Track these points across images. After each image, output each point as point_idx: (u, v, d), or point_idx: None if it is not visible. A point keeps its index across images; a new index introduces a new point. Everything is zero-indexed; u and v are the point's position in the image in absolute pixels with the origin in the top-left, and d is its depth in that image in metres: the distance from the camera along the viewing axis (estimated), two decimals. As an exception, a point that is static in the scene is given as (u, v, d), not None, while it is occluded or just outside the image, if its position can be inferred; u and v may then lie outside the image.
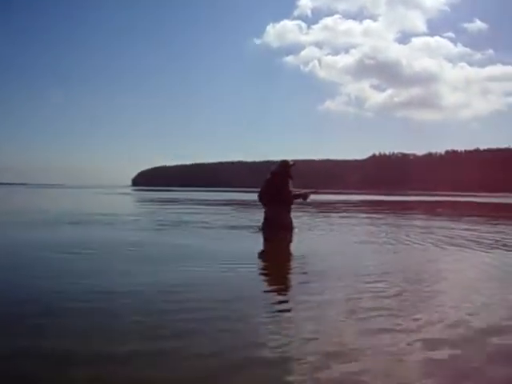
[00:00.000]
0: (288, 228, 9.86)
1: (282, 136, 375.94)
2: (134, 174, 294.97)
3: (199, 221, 13.30)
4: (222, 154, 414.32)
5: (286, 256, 7.50)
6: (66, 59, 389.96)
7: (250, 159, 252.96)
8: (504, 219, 16.74)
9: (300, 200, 10.18)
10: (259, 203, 10.43)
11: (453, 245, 8.20)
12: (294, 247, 8.40)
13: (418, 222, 14.28)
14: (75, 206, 23.74)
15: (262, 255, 7.54)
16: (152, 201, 33.78)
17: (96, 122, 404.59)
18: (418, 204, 35.18)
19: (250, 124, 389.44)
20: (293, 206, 10.16)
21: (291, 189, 9.91)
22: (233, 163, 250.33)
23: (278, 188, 9.86)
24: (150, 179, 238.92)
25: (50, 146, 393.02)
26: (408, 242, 8.45)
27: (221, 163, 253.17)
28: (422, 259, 6.91)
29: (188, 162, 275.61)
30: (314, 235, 9.87)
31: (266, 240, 9.30)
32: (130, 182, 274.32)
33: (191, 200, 33.80)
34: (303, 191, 10.15)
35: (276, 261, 7.08)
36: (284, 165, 10.12)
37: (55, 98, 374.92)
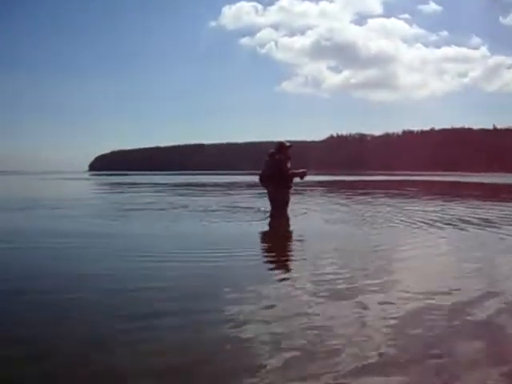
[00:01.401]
0: (287, 204, 10.58)
1: (239, 118, 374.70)
2: (91, 158, 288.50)
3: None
4: (180, 137, 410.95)
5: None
6: (12, 44, 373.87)
7: (208, 142, 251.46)
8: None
9: (298, 179, 10.77)
10: (260, 185, 11.05)
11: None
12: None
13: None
14: (27, 193, 22.95)
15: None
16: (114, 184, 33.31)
17: (47, 106, 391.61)
18: (375, 183, 35.87)
19: (208, 106, 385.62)
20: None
21: (288, 168, 10.39)
22: (192, 146, 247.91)
23: (277, 168, 10.35)
24: (108, 164, 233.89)
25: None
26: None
27: (179, 146, 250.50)
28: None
29: (147, 146, 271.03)
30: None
31: (270, 216, 10.15)
32: (86, 168, 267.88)
33: (155, 184, 33.53)
34: (300, 171, 10.59)
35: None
36: (281, 146, 10.67)
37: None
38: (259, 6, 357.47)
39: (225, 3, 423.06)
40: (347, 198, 16.88)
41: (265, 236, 8.01)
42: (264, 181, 10.71)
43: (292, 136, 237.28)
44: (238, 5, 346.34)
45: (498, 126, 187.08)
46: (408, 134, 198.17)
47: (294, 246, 7.16)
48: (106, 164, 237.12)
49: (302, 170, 10.59)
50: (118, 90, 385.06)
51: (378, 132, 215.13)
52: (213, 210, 11.71)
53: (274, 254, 6.30)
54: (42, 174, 76.38)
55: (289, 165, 10.37)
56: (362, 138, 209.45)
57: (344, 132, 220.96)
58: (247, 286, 4.22)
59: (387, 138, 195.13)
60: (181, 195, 18.74)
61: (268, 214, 10.44)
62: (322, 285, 4.28)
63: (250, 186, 25.58)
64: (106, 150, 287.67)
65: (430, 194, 20.89)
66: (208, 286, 4.37)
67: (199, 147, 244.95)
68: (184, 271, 5.08)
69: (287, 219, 9.90)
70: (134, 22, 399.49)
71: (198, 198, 17.19)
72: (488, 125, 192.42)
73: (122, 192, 23.37)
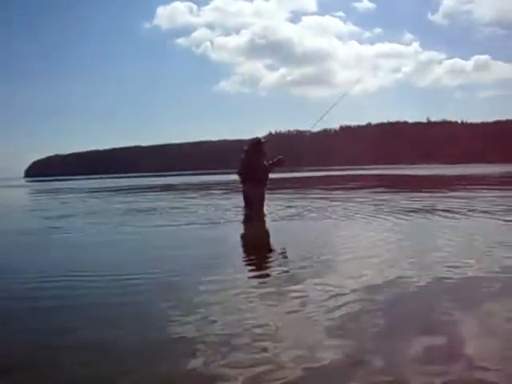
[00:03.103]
0: (261, 203, 10.54)
1: (178, 118, 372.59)
2: (27, 164, 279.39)
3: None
4: (116, 140, 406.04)
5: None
6: None
7: (146, 143, 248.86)
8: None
9: (279, 168, 10.68)
10: (239, 181, 10.81)
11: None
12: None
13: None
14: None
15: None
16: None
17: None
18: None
19: (145, 108, 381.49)
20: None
21: (265, 163, 10.34)
22: (129, 148, 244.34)
23: (251, 166, 10.27)
24: (45, 169, 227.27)
25: None
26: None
27: (118, 149, 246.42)
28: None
29: (82, 150, 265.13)
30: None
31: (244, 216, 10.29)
32: (22, 174, 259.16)
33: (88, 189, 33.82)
34: (275, 159, 10.48)
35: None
36: (255, 143, 10.55)
37: None
38: (194, 6, 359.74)
39: (159, 3, 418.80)
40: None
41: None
42: (241, 178, 10.59)
43: (231, 135, 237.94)
44: (173, 5, 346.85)
45: (432, 119, 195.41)
46: (345, 129, 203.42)
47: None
48: (43, 170, 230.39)
49: (277, 158, 10.45)
50: (53, 93, 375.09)
51: (315, 128, 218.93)
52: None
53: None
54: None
55: (264, 161, 10.30)
56: (300, 135, 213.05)
57: (282, 129, 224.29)
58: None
59: (325, 133, 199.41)
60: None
61: (242, 213, 10.41)
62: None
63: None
64: (43, 155, 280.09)
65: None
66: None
67: (138, 149, 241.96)
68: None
69: (263, 221, 9.87)
70: (68, 22, 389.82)
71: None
72: (422, 118, 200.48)
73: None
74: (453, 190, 17.28)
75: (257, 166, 10.22)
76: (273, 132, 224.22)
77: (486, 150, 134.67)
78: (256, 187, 10.34)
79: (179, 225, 9.79)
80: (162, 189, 29.29)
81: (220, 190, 23.56)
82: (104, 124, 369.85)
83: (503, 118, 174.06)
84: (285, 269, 5.58)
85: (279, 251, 6.92)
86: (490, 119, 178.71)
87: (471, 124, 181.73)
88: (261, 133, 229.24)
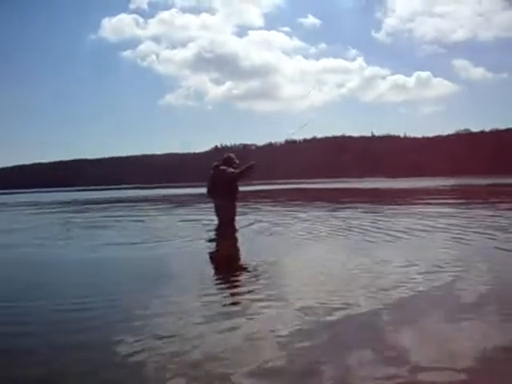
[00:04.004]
0: (232, 217, 10.60)
1: (123, 132, 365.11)
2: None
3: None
4: (59, 153, 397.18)
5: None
6: None
7: (91, 157, 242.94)
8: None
9: (249, 173, 10.68)
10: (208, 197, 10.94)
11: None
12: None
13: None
14: None
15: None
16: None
17: None
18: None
19: (89, 121, 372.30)
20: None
21: (234, 171, 10.30)
22: (73, 161, 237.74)
23: (222, 179, 10.33)
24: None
25: None
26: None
27: (62, 162, 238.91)
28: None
29: (27, 163, 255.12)
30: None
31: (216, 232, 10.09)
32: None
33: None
34: (246, 165, 10.43)
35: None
36: (228, 159, 10.64)
37: None
38: (140, 19, 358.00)
39: (104, 16, 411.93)
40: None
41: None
42: (210, 195, 10.68)
43: (177, 149, 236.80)
44: (118, 17, 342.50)
45: (376, 134, 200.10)
46: (291, 144, 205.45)
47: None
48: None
49: (248, 164, 10.41)
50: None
51: (261, 142, 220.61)
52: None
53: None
54: None
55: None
56: (245, 149, 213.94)
57: (228, 143, 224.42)
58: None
59: (270, 147, 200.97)
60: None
61: (215, 230, 10.21)
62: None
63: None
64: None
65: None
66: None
67: (82, 162, 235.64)
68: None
69: (235, 238, 9.65)
70: (9, 43, 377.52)
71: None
72: (367, 132, 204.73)
73: None
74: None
75: (227, 178, 10.23)
76: (219, 146, 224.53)
77: (428, 164, 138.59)
78: (227, 201, 10.42)
79: (126, 243, 9.28)
80: (106, 202, 28.59)
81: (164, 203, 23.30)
82: (47, 137, 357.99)
83: (444, 132, 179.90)
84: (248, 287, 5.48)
85: (250, 269, 6.67)
86: (432, 134, 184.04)
87: (414, 138, 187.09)
88: (207, 147, 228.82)
